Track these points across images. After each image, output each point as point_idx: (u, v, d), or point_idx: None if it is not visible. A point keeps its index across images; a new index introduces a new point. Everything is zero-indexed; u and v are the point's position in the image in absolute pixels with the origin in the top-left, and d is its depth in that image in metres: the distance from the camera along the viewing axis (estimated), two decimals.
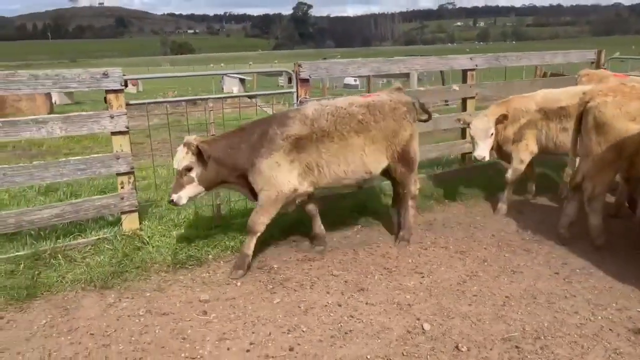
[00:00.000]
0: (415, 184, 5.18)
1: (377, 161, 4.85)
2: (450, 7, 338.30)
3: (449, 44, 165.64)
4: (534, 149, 5.82)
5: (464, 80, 7.01)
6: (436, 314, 3.82)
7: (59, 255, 4.60)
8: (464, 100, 7.06)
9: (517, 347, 3.38)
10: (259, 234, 4.55)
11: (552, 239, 5.12)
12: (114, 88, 4.65)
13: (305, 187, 4.61)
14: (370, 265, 4.69)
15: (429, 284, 4.33)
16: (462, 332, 3.57)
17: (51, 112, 20.46)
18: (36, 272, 4.40)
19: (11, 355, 3.42)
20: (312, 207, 5.02)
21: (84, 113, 4.73)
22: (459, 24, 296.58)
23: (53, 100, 26.31)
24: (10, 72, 4.28)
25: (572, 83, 6.57)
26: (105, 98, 4.71)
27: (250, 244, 4.54)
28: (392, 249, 5.06)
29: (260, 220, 4.49)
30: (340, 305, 3.98)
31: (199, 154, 4.25)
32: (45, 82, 4.40)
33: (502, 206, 5.98)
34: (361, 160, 4.75)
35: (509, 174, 5.91)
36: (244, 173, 4.47)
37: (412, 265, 4.71)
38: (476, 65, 6.92)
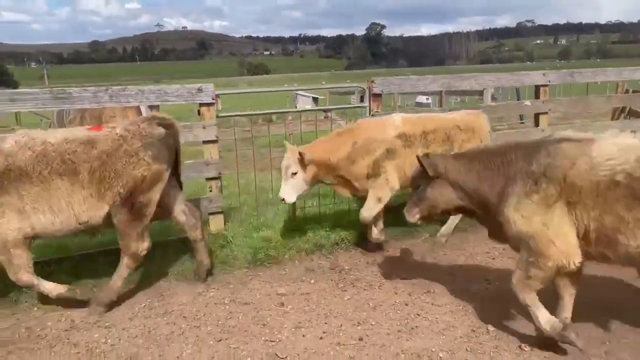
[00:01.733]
0: (140, 241, 4.19)
1: (93, 209, 4.05)
2: (529, 24, 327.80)
3: (528, 62, 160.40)
4: (395, 184, 5.02)
5: (537, 96, 7.06)
6: (501, 318, 3.96)
7: (156, 250, 5.17)
8: (537, 116, 7.09)
9: (581, 350, 3.46)
10: None
11: None
12: (207, 102, 5.22)
13: (18, 235, 3.90)
14: (437, 271, 4.89)
15: (495, 290, 4.47)
16: (526, 335, 3.69)
17: None
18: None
19: (117, 330, 3.96)
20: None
21: (180, 123, 5.32)
22: (538, 41, 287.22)
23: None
24: (121, 87, 4.95)
25: None
26: (198, 110, 5.28)
27: None
28: (458, 257, 5.23)
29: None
30: (407, 305, 4.23)
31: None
32: (149, 96, 5.04)
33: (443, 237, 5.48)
34: (70, 209, 3.99)
35: (364, 213, 5.03)
36: None
37: (479, 272, 4.86)
38: (549, 81, 6.95)
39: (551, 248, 3.20)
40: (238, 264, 5.07)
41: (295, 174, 4.81)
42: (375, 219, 5.17)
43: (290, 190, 4.83)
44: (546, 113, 6.99)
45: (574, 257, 3.21)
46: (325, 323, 3.96)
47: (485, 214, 3.66)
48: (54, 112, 13.75)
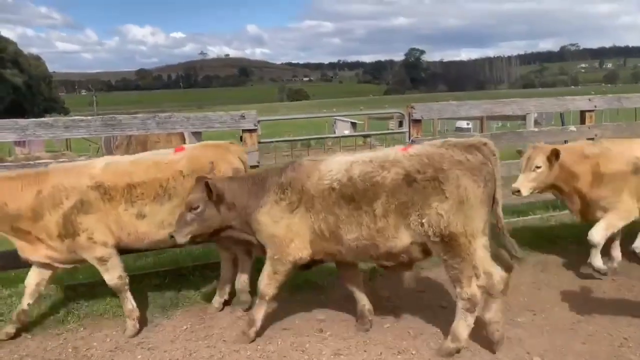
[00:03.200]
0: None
1: None
2: (573, 48, 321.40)
3: (572, 87, 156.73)
4: (108, 239, 4.15)
5: (582, 122, 6.89)
6: (547, 350, 3.83)
7: (197, 272, 5.27)
8: None
9: None
10: None
11: None
12: (249, 128, 5.35)
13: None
14: None
15: (541, 321, 4.33)
16: None
17: None
18: (178, 286, 5.09)
19: (159, 352, 4.03)
20: None
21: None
22: (583, 65, 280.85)
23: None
24: (168, 115, 5.14)
25: None
26: (241, 137, 5.41)
27: None
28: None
29: None
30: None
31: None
32: (195, 122, 5.20)
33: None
34: None
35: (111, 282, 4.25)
36: None
37: (524, 303, 4.71)
38: (595, 106, 6.79)
39: (291, 245, 3.90)
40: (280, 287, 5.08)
41: None
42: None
43: None
44: (592, 139, 6.80)
45: (307, 252, 3.94)
46: (365, 351, 3.92)
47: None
48: (101, 138, 14.33)
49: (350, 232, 3.80)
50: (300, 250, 3.93)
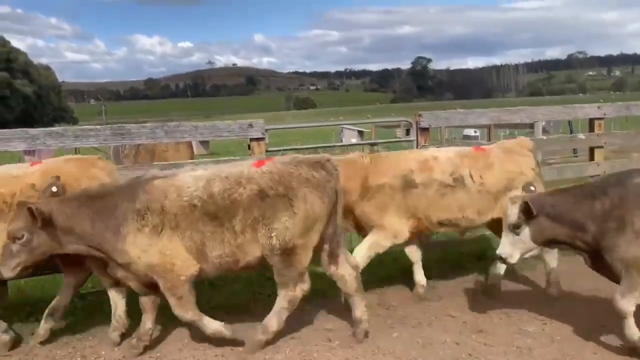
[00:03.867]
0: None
1: None
2: (580, 56, 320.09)
3: (580, 95, 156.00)
4: None
5: (591, 130, 6.85)
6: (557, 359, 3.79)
7: (204, 282, 5.25)
8: (591, 150, 6.87)
9: None
10: None
11: None
12: (257, 137, 5.36)
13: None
14: (489, 309, 4.74)
15: (551, 330, 4.28)
16: None
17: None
18: None
19: None
20: None
21: (232, 158, 5.51)
22: (591, 73, 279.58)
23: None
24: (176, 123, 5.17)
25: None
26: (249, 145, 5.43)
27: None
28: (512, 295, 5.05)
29: None
30: (458, 344, 4.11)
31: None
32: (203, 131, 5.23)
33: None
34: None
35: None
36: None
37: (534, 312, 4.67)
38: (604, 114, 6.74)
39: (175, 267, 3.80)
40: None
41: None
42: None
43: None
44: (602, 147, 6.77)
45: (196, 267, 3.86)
46: None
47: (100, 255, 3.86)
48: (111, 147, 14.44)
49: (214, 249, 3.85)
50: (188, 267, 3.85)
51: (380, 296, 5.12)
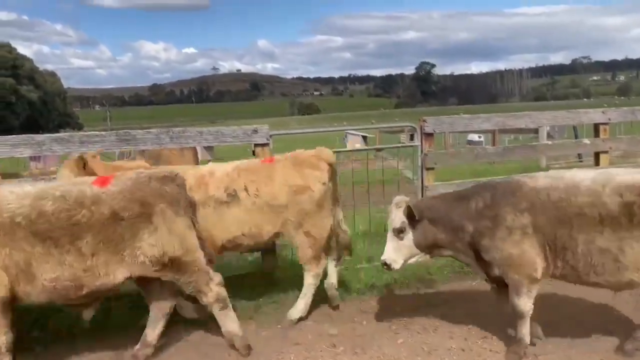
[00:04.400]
0: None
1: None
2: (585, 61, 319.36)
3: (585, 99, 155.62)
4: None
5: (596, 135, 6.83)
6: None
7: None
8: (597, 155, 6.84)
9: None
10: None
11: None
12: (261, 142, 5.37)
13: None
14: (495, 316, 4.70)
15: (557, 336, 4.25)
16: None
17: None
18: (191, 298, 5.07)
19: None
20: None
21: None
22: (595, 78, 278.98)
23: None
24: (182, 129, 5.19)
25: None
26: (253, 151, 5.44)
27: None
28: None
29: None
30: (463, 350, 4.09)
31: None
32: (208, 137, 5.25)
33: None
34: None
35: None
36: None
37: (539, 318, 4.61)
38: (609, 119, 6.72)
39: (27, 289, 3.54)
40: (289, 304, 5.06)
41: None
42: None
43: None
44: (607, 152, 6.74)
45: (4, 287, 3.47)
46: None
47: None
48: (116, 153, 14.47)
49: (46, 272, 3.54)
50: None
51: (385, 301, 5.09)
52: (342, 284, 5.35)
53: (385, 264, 4.03)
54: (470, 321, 4.59)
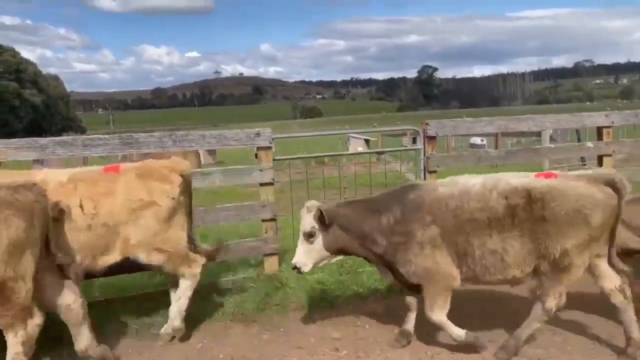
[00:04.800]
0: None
1: None
2: (587, 64, 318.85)
3: (587, 103, 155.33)
4: None
5: (599, 138, 6.82)
6: None
7: (211, 290, 5.26)
8: (600, 158, 6.83)
9: None
10: None
11: None
12: (264, 145, 5.38)
13: None
14: (500, 320, 4.69)
15: (561, 341, 4.24)
16: None
17: None
18: (194, 304, 5.07)
19: None
20: None
21: (239, 167, 5.53)
22: (598, 81, 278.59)
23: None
24: (185, 132, 5.20)
25: None
26: (256, 154, 5.44)
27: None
28: (521, 307, 4.99)
29: None
30: (467, 354, 4.06)
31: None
32: (210, 140, 5.26)
33: None
34: None
35: None
36: None
37: (546, 322, 4.62)
38: (612, 123, 6.70)
39: None
40: (292, 307, 5.07)
41: None
42: None
43: None
44: (610, 155, 6.73)
45: None
46: None
47: None
48: (118, 156, 14.49)
49: None
50: None
51: (388, 305, 5.08)
52: (344, 287, 5.35)
53: (295, 267, 4.11)
54: (474, 325, 4.56)
